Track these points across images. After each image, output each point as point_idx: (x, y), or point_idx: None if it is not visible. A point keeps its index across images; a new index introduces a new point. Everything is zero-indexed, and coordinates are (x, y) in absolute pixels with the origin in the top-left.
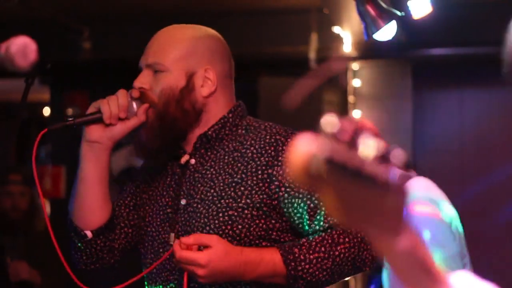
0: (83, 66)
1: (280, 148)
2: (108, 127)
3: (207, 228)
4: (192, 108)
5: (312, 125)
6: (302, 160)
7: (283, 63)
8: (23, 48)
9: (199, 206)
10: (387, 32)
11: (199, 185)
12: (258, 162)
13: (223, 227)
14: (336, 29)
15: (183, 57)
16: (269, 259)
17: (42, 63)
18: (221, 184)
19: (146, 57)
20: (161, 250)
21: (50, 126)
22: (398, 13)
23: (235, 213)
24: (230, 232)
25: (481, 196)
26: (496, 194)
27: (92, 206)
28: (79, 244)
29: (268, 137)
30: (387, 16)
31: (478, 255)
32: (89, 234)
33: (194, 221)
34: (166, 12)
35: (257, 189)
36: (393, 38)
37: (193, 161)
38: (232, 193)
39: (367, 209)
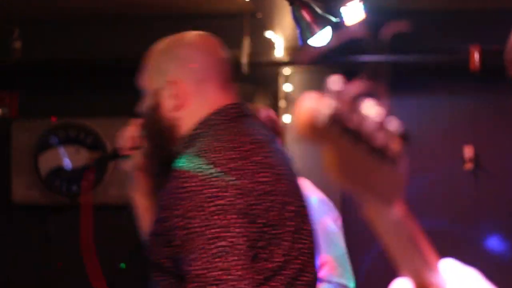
0: (13, 66)
1: None
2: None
3: None
4: (162, 127)
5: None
6: (307, 115)
7: None
8: None
9: None
10: (321, 37)
11: None
12: None
13: None
14: (268, 34)
15: (150, 76)
16: None
17: None
18: None
19: None
20: None
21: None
22: (333, 19)
23: None
24: None
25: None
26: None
27: None
28: None
29: None
30: (322, 22)
31: None
32: None
33: None
34: (96, 14)
35: None
36: (325, 44)
37: None
38: None
39: (365, 172)
